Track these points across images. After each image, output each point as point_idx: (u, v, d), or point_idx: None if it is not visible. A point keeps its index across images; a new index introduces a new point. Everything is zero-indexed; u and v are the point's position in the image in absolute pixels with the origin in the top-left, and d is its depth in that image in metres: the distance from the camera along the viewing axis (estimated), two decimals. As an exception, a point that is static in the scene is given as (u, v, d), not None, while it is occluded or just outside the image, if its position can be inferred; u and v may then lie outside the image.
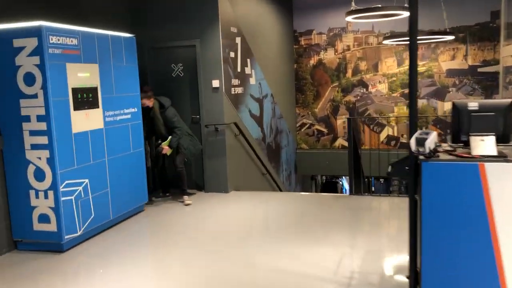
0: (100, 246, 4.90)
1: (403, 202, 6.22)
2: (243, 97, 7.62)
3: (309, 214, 6.01)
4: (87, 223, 4.92)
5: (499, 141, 3.07)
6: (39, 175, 4.58)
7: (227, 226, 5.52)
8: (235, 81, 7.27)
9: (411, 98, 3.17)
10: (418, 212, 3.19)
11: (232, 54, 7.14)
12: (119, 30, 5.68)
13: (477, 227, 2.96)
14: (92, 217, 4.99)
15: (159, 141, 6.33)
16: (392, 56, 9.75)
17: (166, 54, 7.06)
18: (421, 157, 3.04)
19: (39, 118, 4.49)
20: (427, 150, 2.94)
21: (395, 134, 9.87)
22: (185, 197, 6.44)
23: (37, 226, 4.66)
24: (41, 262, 4.50)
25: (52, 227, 4.62)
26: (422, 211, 3.07)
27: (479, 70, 9.20)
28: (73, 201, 4.74)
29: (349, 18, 6.44)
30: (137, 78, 5.88)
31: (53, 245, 4.68)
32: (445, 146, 3.40)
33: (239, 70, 7.42)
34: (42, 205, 4.62)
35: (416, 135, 3.05)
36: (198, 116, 6.97)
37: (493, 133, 3.04)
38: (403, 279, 3.75)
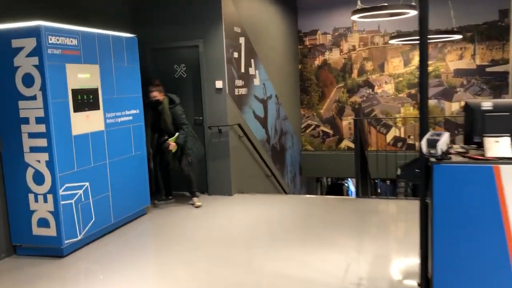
0: (101, 251, 4.80)
1: (410, 205, 6.10)
2: (247, 98, 7.51)
3: (315, 217, 5.88)
4: (87, 228, 4.81)
5: (514, 142, 2.93)
6: (38, 178, 4.48)
7: (230, 230, 5.41)
8: (239, 82, 7.16)
9: (422, 98, 3.04)
10: (429, 216, 3.07)
11: (235, 55, 7.03)
12: (121, 30, 5.58)
13: (491, 232, 2.83)
14: (92, 221, 4.88)
15: (166, 137, 6.18)
16: (399, 56, 9.61)
17: (169, 54, 6.96)
18: (432, 159, 2.91)
19: (38, 120, 4.39)
20: (439, 152, 2.81)
21: (402, 135, 9.72)
22: (195, 199, 6.34)
23: (37, 231, 4.56)
24: (40, 267, 4.40)
25: (51, 231, 4.51)
26: (434, 216, 2.94)
27: (488, 70, 9.04)
28: (73, 205, 4.63)
29: (355, 17, 6.33)
30: (139, 79, 5.77)
31: (52, 250, 4.57)
32: (457, 147, 3.27)
33: (242, 70, 7.31)
34: (41, 209, 4.52)
35: (427, 136, 2.92)
36: (201, 118, 6.86)
37: (508, 134, 2.90)
38: (413, 285, 3.61)
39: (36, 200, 4.52)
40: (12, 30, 4.36)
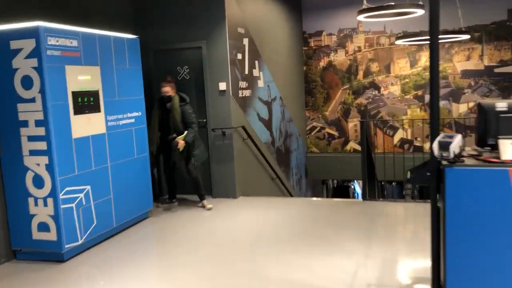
0: (102, 255, 4.69)
1: (418, 207, 5.98)
2: (251, 100, 7.40)
3: (321, 221, 5.75)
4: (88, 232, 4.71)
5: (530, 144, 2.81)
6: (38, 182, 4.38)
7: (235, 234, 5.29)
8: (243, 84, 7.05)
9: (432, 99, 2.92)
10: (441, 221, 2.95)
11: (239, 56, 6.93)
12: (123, 31, 5.49)
13: (507, 237, 2.72)
14: (94, 225, 4.78)
15: (174, 135, 6.03)
16: (405, 57, 9.48)
17: (172, 56, 6.87)
18: (444, 162, 2.79)
19: (38, 123, 4.30)
20: (452, 155, 2.69)
21: (409, 137, 9.58)
22: (204, 201, 6.24)
23: (37, 235, 4.47)
24: (40, 272, 4.30)
25: (52, 236, 4.42)
26: (446, 221, 2.82)
27: (496, 70, 8.89)
28: (74, 208, 4.54)
29: (361, 17, 6.21)
30: (141, 81, 5.68)
31: (53, 255, 4.48)
32: (469, 150, 3.15)
33: (246, 72, 7.20)
34: (41, 213, 4.42)
35: (439, 138, 2.79)
36: (204, 120, 6.76)
37: (525, 136, 2.78)
38: (423, 293, 3.49)
39: (36, 204, 4.43)
40: (11, 31, 4.28)
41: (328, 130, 10.24)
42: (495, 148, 2.88)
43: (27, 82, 4.27)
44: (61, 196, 4.38)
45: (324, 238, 5.00)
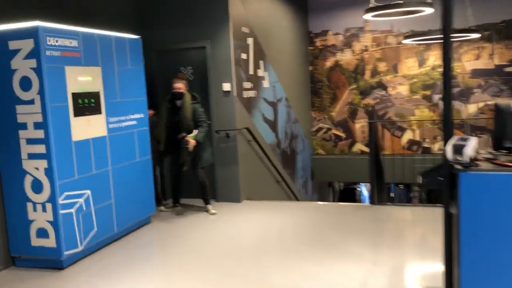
0: (103, 262, 4.56)
1: (426, 212, 5.82)
2: (256, 101, 7.26)
3: (328, 226, 5.59)
4: (88, 238, 4.59)
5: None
6: (37, 186, 4.26)
7: (239, 239, 5.14)
8: (247, 84, 6.91)
9: (446, 100, 2.77)
10: (454, 228, 2.80)
11: (244, 56, 6.79)
12: (125, 31, 5.36)
13: (525, 247, 2.57)
14: (94, 231, 4.66)
15: (184, 134, 5.82)
16: (413, 56, 9.29)
17: (175, 56, 6.74)
18: (458, 166, 2.64)
19: (36, 126, 4.18)
20: (467, 159, 2.54)
21: (417, 138, 9.39)
22: (209, 206, 6.11)
23: (35, 242, 4.35)
24: (40, 280, 4.18)
25: (51, 242, 4.29)
26: (460, 228, 2.68)
27: (506, 70, 8.69)
28: (74, 214, 4.41)
29: (368, 16, 6.06)
30: (143, 82, 5.55)
31: (52, 262, 4.35)
32: (484, 153, 2.99)
33: (251, 72, 7.07)
34: (40, 218, 4.30)
35: (453, 141, 2.64)
36: (208, 122, 6.62)
37: (544, 139, 2.63)
38: (436, 303, 3.34)
39: (35, 209, 4.31)
40: (9, 31, 4.17)
41: (334, 131, 10.07)
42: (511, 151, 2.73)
43: (25, 83, 4.15)
44: (60, 201, 4.26)
45: (331, 244, 4.84)
